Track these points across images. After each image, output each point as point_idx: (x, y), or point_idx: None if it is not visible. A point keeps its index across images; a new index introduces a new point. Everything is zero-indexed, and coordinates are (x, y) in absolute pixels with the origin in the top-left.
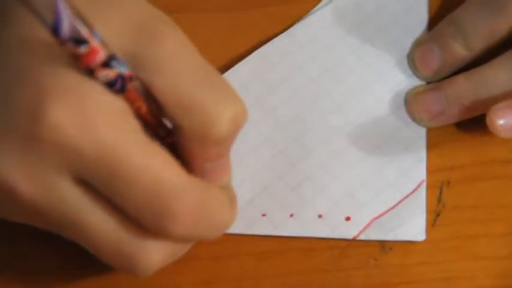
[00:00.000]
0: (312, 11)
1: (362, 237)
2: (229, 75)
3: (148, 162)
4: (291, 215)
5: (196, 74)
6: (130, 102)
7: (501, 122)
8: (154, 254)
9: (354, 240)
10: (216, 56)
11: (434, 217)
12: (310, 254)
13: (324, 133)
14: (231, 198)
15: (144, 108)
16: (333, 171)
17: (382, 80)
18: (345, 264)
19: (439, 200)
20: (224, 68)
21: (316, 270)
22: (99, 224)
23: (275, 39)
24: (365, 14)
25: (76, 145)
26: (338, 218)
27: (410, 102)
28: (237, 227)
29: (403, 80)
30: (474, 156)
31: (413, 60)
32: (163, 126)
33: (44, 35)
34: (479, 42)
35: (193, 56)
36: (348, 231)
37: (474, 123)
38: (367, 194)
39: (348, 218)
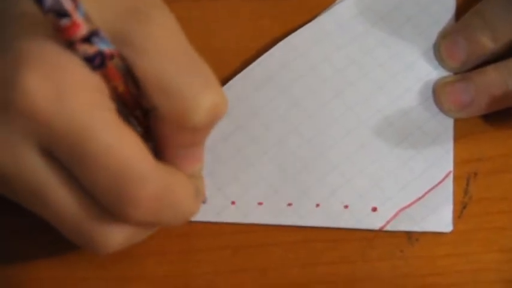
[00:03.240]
0: (338, 0)
1: (388, 228)
2: (256, 65)
3: (116, 144)
4: (317, 205)
5: (181, 60)
6: (109, 79)
7: None
8: (114, 236)
9: (380, 231)
10: (242, 46)
11: (461, 209)
12: (336, 245)
13: (350, 124)
14: (198, 188)
15: (122, 87)
16: (360, 162)
17: (410, 70)
18: (372, 256)
19: (466, 191)
20: (250, 58)
21: (342, 261)
22: (62, 200)
23: (301, 29)
24: (392, 4)
25: (46, 116)
26: (364, 208)
27: (438, 92)
28: (263, 218)
29: (431, 71)
30: (501, 148)
31: (440, 51)
32: (141, 108)
33: (31, 6)
34: (506, 34)
35: (180, 42)
36: (374, 222)
37: (501, 115)
38: (394, 185)
39: (374, 209)
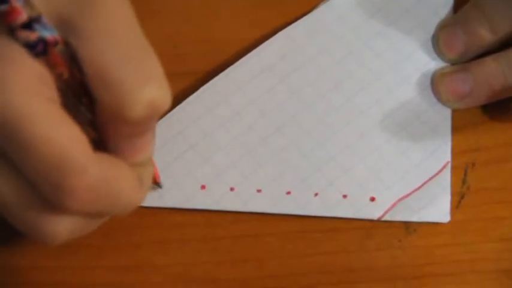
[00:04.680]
0: None
1: (387, 218)
2: (255, 54)
3: (52, 134)
4: (316, 195)
5: (127, 49)
6: (53, 66)
7: None
8: (59, 226)
9: (378, 221)
10: (241, 36)
11: (458, 199)
12: (334, 235)
13: (349, 114)
14: (142, 178)
15: (67, 74)
16: (358, 152)
17: (408, 61)
18: (369, 246)
19: (464, 181)
20: (250, 49)
21: (340, 251)
22: (4, 188)
23: (300, 20)
24: None
25: None
26: (363, 198)
27: (437, 82)
28: (261, 206)
29: (429, 61)
30: (499, 138)
31: (438, 43)
32: (88, 95)
33: None
34: (504, 25)
35: (130, 31)
36: (373, 212)
37: (500, 105)
38: (392, 175)
39: (372, 199)
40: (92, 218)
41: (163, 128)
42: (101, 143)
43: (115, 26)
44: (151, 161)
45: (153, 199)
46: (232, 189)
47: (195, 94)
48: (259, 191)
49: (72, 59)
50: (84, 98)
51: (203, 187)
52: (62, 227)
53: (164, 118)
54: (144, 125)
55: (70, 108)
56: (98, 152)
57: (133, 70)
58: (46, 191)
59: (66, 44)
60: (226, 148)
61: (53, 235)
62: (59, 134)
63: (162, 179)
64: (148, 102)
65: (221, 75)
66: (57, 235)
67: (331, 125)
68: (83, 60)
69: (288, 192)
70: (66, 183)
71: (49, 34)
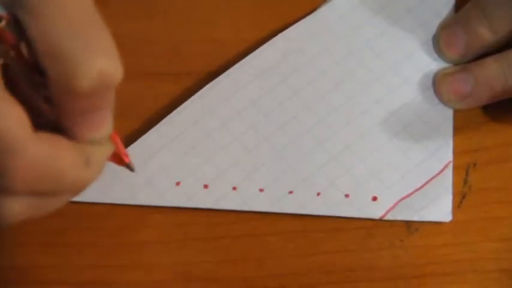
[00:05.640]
0: None
1: (388, 217)
2: (255, 55)
3: None
4: (318, 194)
5: (76, 23)
6: None
7: None
8: (8, 207)
9: (380, 220)
10: (243, 37)
11: (460, 199)
12: (335, 234)
13: (350, 114)
14: (88, 156)
15: (14, 52)
16: (360, 151)
17: (410, 61)
18: (371, 245)
19: (465, 181)
20: (250, 50)
21: (341, 250)
22: None
23: (302, 21)
24: None
25: None
26: (364, 198)
27: (438, 83)
28: (263, 205)
29: (430, 62)
30: (500, 138)
31: (439, 42)
32: (41, 72)
33: None
34: (504, 25)
35: (80, 5)
36: (375, 211)
37: (501, 106)
38: (394, 175)
39: (374, 198)
40: (40, 197)
41: (165, 129)
42: (54, 121)
43: (65, 1)
44: (110, 141)
45: (154, 199)
46: (234, 188)
47: (196, 95)
48: (261, 190)
49: (21, 35)
50: (37, 75)
51: (205, 186)
52: (10, 208)
53: (166, 119)
54: (95, 98)
55: (19, 86)
56: (39, 132)
57: (83, 43)
58: None
59: (15, 21)
60: (228, 148)
61: (4, 216)
62: None
63: (165, 179)
64: (98, 73)
65: (223, 75)
66: (7, 216)
67: (332, 124)
68: (32, 34)
69: (290, 192)
70: (3, 163)
71: None
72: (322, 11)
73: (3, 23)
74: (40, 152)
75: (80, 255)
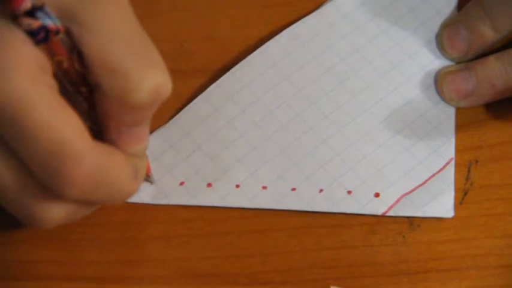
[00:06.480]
0: None
1: (391, 213)
2: (260, 53)
3: (52, 121)
4: (321, 191)
5: (128, 40)
6: (53, 54)
7: None
8: (53, 211)
9: (382, 216)
10: (247, 34)
11: (462, 195)
12: (339, 230)
13: (353, 111)
14: (137, 168)
15: (67, 63)
16: (363, 148)
17: (412, 59)
18: (373, 241)
19: (467, 178)
20: (254, 47)
21: (344, 246)
22: (1, 171)
23: (305, 18)
24: None
25: None
26: (367, 194)
27: (440, 81)
28: (266, 203)
29: (433, 60)
30: (502, 136)
31: (441, 41)
32: (87, 85)
33: None
34: (507, 24)
35: (130, 22)
36: (377, 208)
37: (503, 103)
38: (397, 172)
39: (377, 195)
40: (85, 205)
41: (172, 129)
42: (96, 133)
43: (116, 16)
44: (145, 154)
45: (160, 197)
46: (238, 186)
47: (202, 95)
48: (264, 187)
49: (72, 49)
50: (82, 87)
51: (209, 185)
52: (55, 213)
53: (173, 120)
54: (146, 111)
55: (67, 97)
56: (96, 141)
57: (137, 57)
58: (43, 177)
59: (67, 34)
60: (232, 145)
61: (46, 220)
62: (58, 121)
63: (169, 178)
64: (154, 87)
65: (227, 74)
66: (49, 220)
67: (335, 122)
68: (85, 49)
69: (293, 189)
70: (64, 170)
71: (51, 22)
72: (325, 9)
73: (61, 35)
74: (99, 162)
75: (84, 250)
